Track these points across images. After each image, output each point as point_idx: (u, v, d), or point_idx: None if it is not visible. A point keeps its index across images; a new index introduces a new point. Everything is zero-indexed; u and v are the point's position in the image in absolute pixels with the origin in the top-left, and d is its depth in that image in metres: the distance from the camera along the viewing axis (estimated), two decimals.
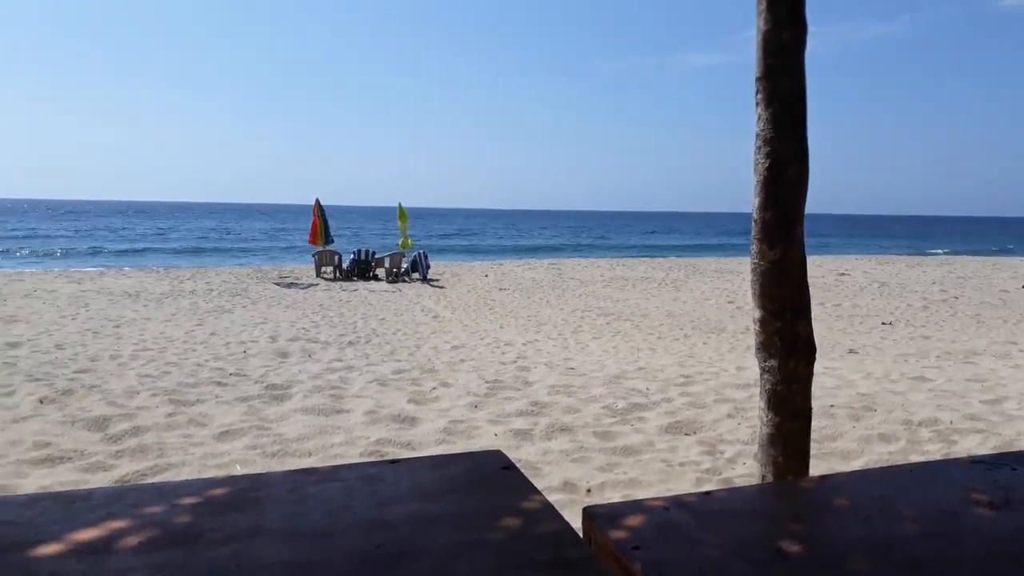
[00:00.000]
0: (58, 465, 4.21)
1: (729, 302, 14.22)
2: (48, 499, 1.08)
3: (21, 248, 34.56)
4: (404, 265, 18.68)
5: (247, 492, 1.09)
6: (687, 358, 8.09)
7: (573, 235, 65.24)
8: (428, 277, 18.71)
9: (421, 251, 19.64)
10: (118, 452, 4.46)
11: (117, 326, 9.82)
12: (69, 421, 5.02)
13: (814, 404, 2.90)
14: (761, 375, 2.55)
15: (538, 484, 3.88)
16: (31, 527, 0.97)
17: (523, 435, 4.89)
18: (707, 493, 1.17)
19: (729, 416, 5.35)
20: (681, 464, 4.33)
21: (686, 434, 4.95)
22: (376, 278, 18.43)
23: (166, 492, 1.10)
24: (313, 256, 19.43)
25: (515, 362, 7.61)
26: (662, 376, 6.81)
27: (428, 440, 4.80)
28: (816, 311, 12.06)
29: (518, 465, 3.97)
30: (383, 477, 1.15)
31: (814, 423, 3.95)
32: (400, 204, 20.09)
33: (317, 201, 19.39)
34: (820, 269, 22.37)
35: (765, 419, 2.54)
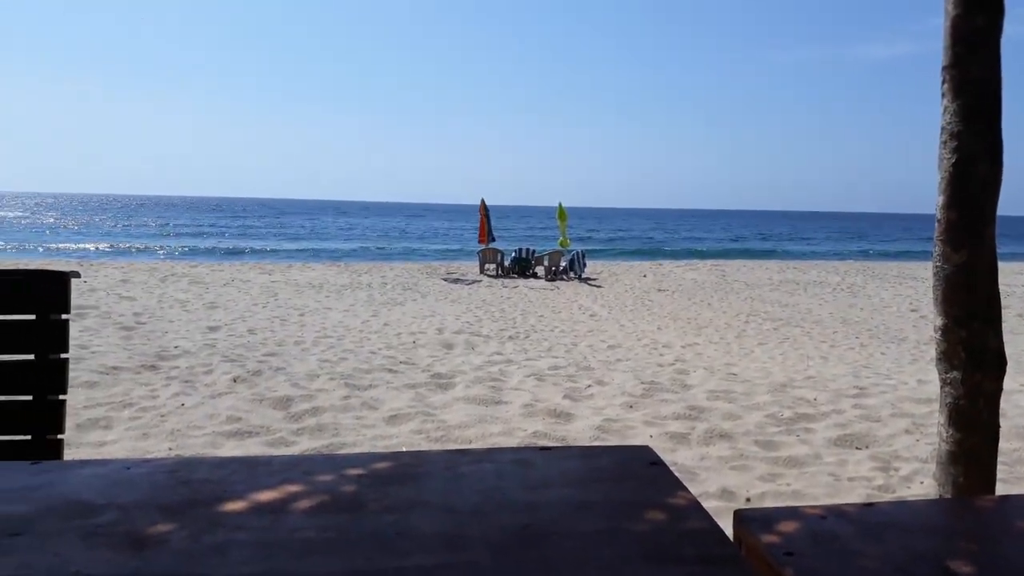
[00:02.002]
0: (246, 439, 4.64)
1: (912, 310, 13.16)
2: (236, 462, 1.21)
3: (218, 243, 38.33)
4: (563, 264, 18.85)
5: (408, 467, 1.17)
6: (862, 368, 7.58)
7: (743, 236, 62.87)
8: (585, 276, 18.77)
9: (579, 250, 19.73)
10: (299, 430, 4.85)
11: (301, 314, 10.66)
12: (257, 399, 5.52)
13: (1008, 424, 2.64)
14: (942, 388, 2.36)
15: (694, 490, 3.80)
16: (221, 485, 1.10)
17: (679, 438, 4.79)
18: (869, 504, 1.11)
19: (907, 432, 4.96)
20: (850, 479, 4.08)
21: (857, 448, 4.65)
22: (535, 276, 18.74)
23: (336, 463, 1.20)
24: (477, 253, 20.07)
25: (673, 364, 7.47)
26: (833, 386, 6.42)
27: (582, 436, 4.83)
28: (1013, 323, 10.87)
29: (673, 469, 3.90)
30: (534, 462, 1.19)
31: (1007, 444, 3.59)
32: (560, 204, 20.27)
33: (483, 201, 20.00)
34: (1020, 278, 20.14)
35: (945, 435, 2.34)
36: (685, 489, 1.06)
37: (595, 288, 16.33)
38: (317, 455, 1.26)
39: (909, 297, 15.22)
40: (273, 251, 33.42)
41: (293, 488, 1.08)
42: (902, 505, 1.16)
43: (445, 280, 17.36)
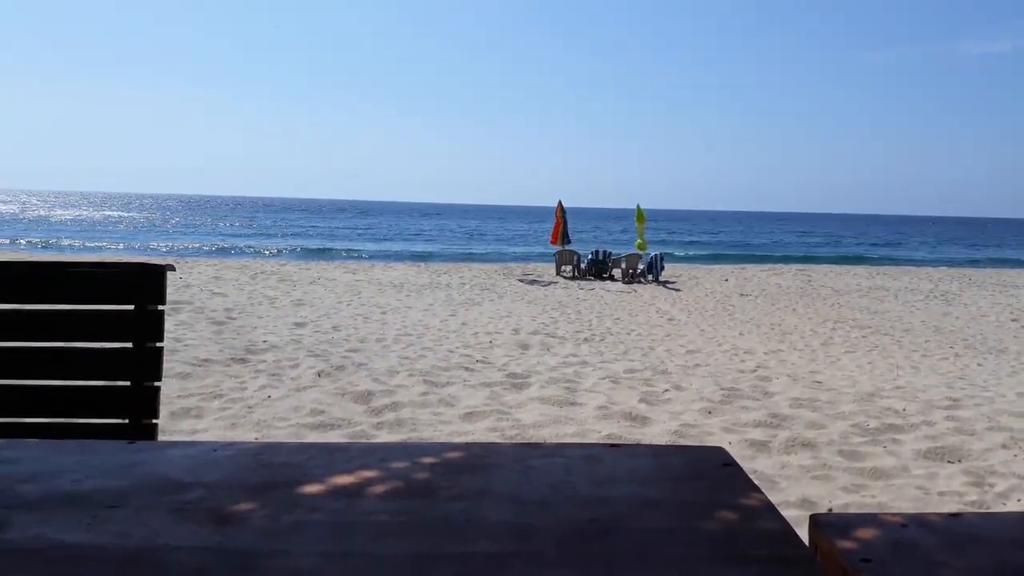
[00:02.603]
0: (329, 431, 4.79)
1: (1013, 319, 12.44)
2: (315, 448, 1.26)
3: (305, 242, 39.60)
4: (640, 266, 18.64)
5: (479, 458, 1.19)
6: (956, 379, 7.22)
7: (834, 240, 60.78)
8: (664, 279, 18.50)
9: (657, 253, 19.47)
10: (379, 424, 4.97)
11: (383, 312, 10.90)
12: (340, 393, 5.68)
13: None
14: None
15: (774, 498, 3.70)
16: (300, 469, 1.14)
17: (759, 446, 4.68)
18: (955, 514, 1.06)
19: (1004, 447, 4.70)
20: (940, 494, 3.89)
21: (949, 461, 4.43)
22: (612, 278, 18.60)
23: (410, 451, 1.23)
24: (554, 255, 20.06)
25: (755, 371, 7.29)
26: (924, 397, 6.14)
27: (658, 441, 4.77)
28: None
29: (752, 477, 3.83)
30: (603, 458, 1.19)
31: None
32: (638, 206, 20.05)
33: (560, 203, 19.99)
34: None
35: None
36: (758, 491, 1.04)
37: (674, 292, 16.09)
38: (392, 443, 1.29)
39: (1010, 306, 14.38)
40: (356, 251, 34.30)
41: (368, 474, 1.11)
42: (991, 517, 1.10)
43: (521, 281, 17.43)
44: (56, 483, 1.07)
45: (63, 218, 63.91)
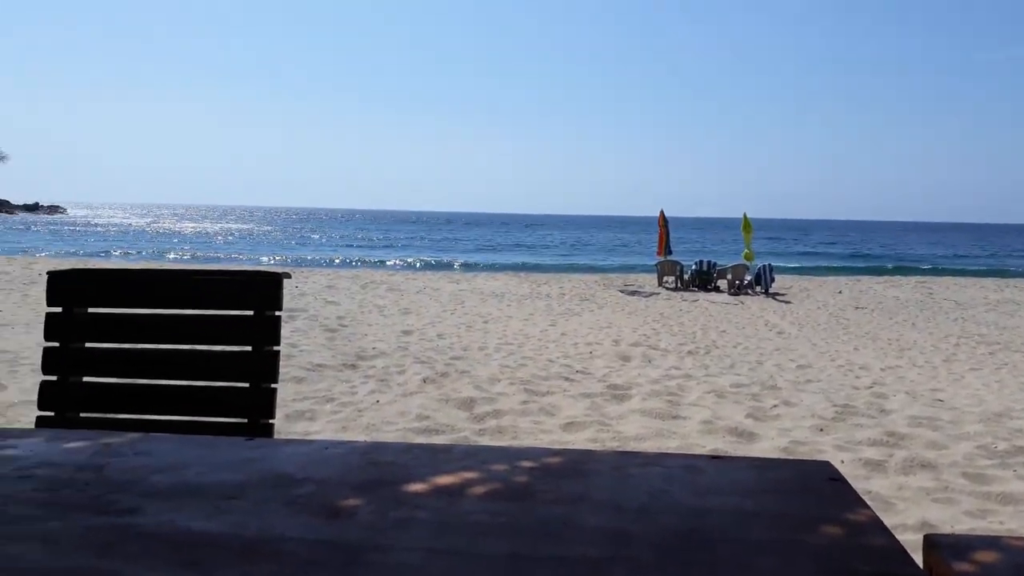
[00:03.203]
0: (433, 436, 4.90)
1: None
2: (420, 449, 1.31)
3: (414, 253, 40.69)
4: (747, 277, 18.08)
5: (577, 464, 1.20)
6: None
7: (959, 251, 57.16)
8: (773, 291, 17.88)
9: (766, 263, 18.83)
10: (481, 430, 5.04)
11: (485, 322, 11.06)
12: (444, 399, 5.80)
13: None
14: None
15: (889, 520, 3.51)
16: (405, 468, 1.19)
17: (874, 466, 4.45)
18: None
19: None
20: None
21: None
22: (717, 289, 18.13)
23: (510, 455, 1.26)
24: (655, 266, 19.77)
25: (870, 388, 6.94)
26: None
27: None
28: None
29: (866, 497, 3.64)
30: (704, 469, 1.17)
31: None
32: (745, 214, 19.47)
33: (662, 213, 19.70)
34: None
35: None
36: (867, 507, 1.00)
37: (783, 304, 15.52)
38: (493, 446, 1.32)
39: None
40: (460, 262, 34.94)
41: (469, 475, 1.14)
42: None
43: (622, 292, 17.26)
44: (183, 475, 1.15)
45: (189, 230, 68.33)
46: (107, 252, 35.92)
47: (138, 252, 36.60)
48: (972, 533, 1.02)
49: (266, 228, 78.96)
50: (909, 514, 3.68)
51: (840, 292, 18.40)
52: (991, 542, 0.99)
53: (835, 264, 38.33)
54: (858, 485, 4.00)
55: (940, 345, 10.08)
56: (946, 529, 3.49)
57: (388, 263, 32.72)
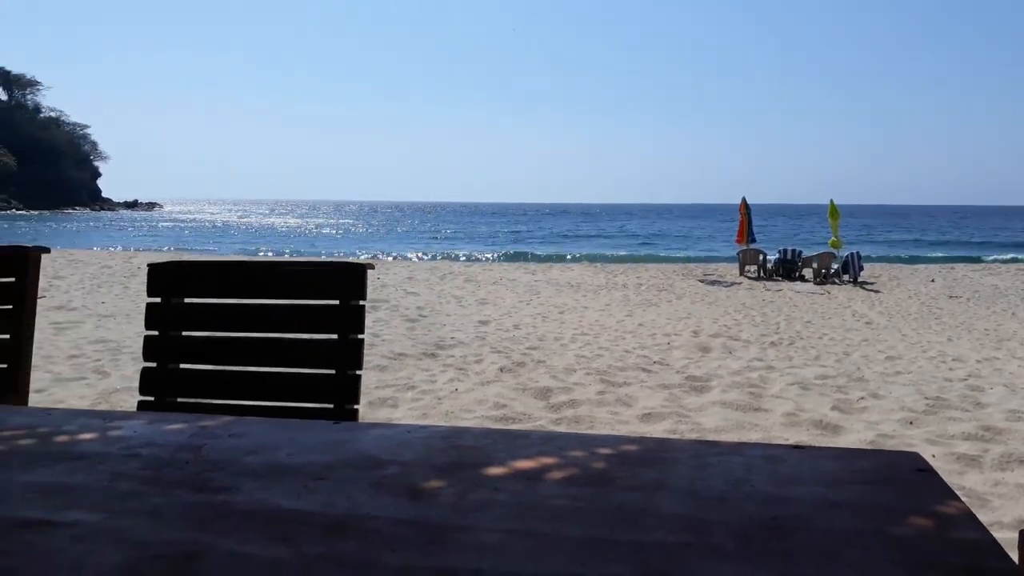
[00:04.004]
0: (510, 424, 4.94)
1: None
2: (498, 433, 1.33)
3: (490, 245, 41.02)
4: (834, 266, 17.46)
5: (654, 452, 1.20)
6: None
7: None
8: (861, 280, 17.21)
9: (854, 251, 18.13)
10: (557, 419, 5.06)
11: (561, 312, 11.06)
12: (521, 388, 5.85)
13: None
14: None
15: (984, 518, 3.36)
16: (485, 452, 1.21)
17: (968, 461, 4.25)
18: None
19: None
20: None
21: None
22: (802, 279, 17.57)
23: (586, 441, 1.27)
24: (737, 254, 19.31)
25: (965, 380, 6.62)
26: None
27: None
28: None
29: (960, 493, 3.48)
30: (785, 459, 1.16)
31: None
32: (832, 201, 18.78)
33: (743, 200, 19.22)
34: None
35: None
36: (957, 498, 0.97)
37: (872, 293, 14.94)
38: (570, 433, 1.33)
39: None
40: (535, 253, 35.00)
41: (547, 460, 1.16)
42: None
43: (701, 282, 16.95)
44: (274, 456, 1.21)
45: (278, 223, 70.76)
46: (201, 246, 37.60)
47: (230, 245, 38.19)
48: None
49: (344, 221, 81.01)
50: (1005, 511, 3.51)
51: (933, 280, 17.57)
52: None
53: (928, 252, 36.58)
54: (951, 481, 3.83)
55: None
56: None
57: (463, 255, 33.06)
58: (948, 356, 7.98)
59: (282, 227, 65.09)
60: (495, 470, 1.12)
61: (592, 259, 29.13)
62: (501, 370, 6.53)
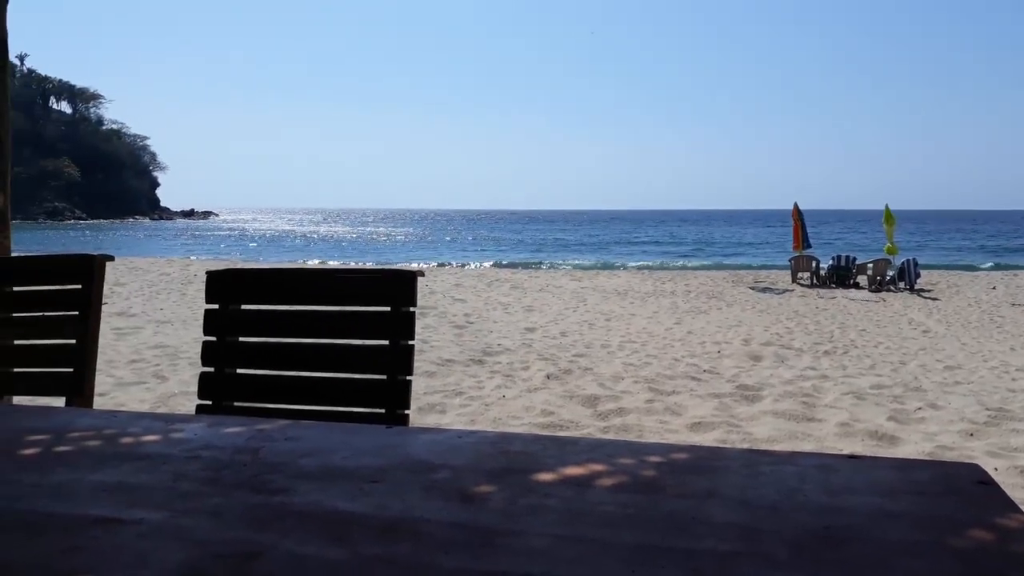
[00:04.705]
0: (558, 431, 4.94)
1: None
2: (547, 439, 1.34)
3: (536, 251, 41.09)
4: (890, 273, 17.01)
5: (705, 460, 1.19)
6: None
7: None
8: (917, 287, 16.73)
9: (911, 258, 17.64)
10: (605, 428, 5.04)
11: (608, 319, 11.01)
12: (568, 395, 5.84)
13: None
14: None
15: None
16: (534, 458, 1.22)
17: None
18: None
19: None
20: None
21: None
22: (857, 286, 17.15)
23: (636, 449, 1.27)
24: (789, 261, 18.96)
25: None
26: None
27: None
28: None
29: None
30: (839, 468, 1.14)
31: None
32: (887, 206, 18.31)
33: (796, 205, 18.88)
34: None
35: None
36: (1019, 511, 0.94)
37: (930, 301, 14.51)
38: (619, 440, 1.34)
39: None
40: (578, 260, 34.89)
41: (597, 467, 1.17)
42: None
43: (753, 289, 16.68)
44: (329, 459, 1.24)
45: (327, 232, 72.05)
46: (256, 253, 38.48)
47: (284, 253, 39.00)
48: None
49: (395, 230, 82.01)
50: None
51: (995, 288, 16.98)
52: None
53: (992, 258, 35.32)
54: (1015, 495, 3.70)
55: None
56: None
57: (507, 262, 33.13)
58: (1011, 366, 7.70)
59: (334, 235, 66.26)
60: (545, 476, 1.13)
61: (641, 266, 28.91)
62: (548, 377, 6.53)
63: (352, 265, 29.35)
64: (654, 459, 1.21)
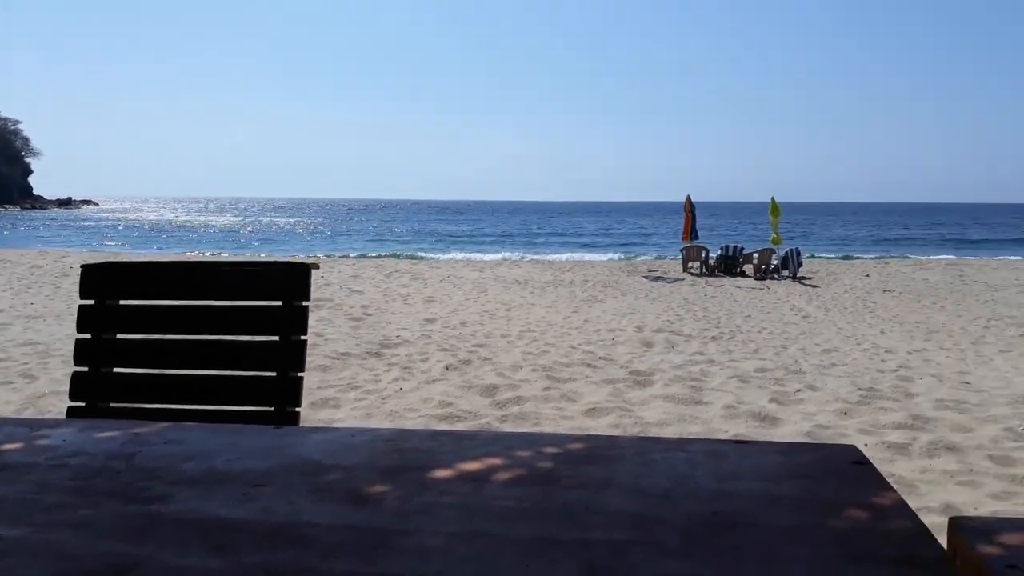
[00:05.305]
0: (456, 423, 4.93)
1: None
2: (444, 435, 1.32)
3: (435, 242, 40.89)
4: (774, 262, 17.92)
5: (601, 449, 1.20)
6: None
7: (989, 230, 56.24)
8: (799, 275, 17.69)
9: (793, 248, 18.63)
10: (503, 416, 5.07)
11: (508, 309, 11.08)
12: (466, 386, 5.83)
13: None
14: None
15: (913, 503, 3.49)
16: (430, 454, 1.20)
17: (899, 449, 4.41)
18: None
19: None
20: None
21: None
22: (743, 274, 17.98)
23: (534, 441, 1.27)
24: (680, 251, 19.65)
25: (896, 371, 6.86)
26: None
27: (789, 442, 4.60)
28: None
29: (890, 480, 3.60)
30: (727, 454, 1.18)
31: None
32: (772, 198, 19.26)
33: (688, 198, 19.56)
34: None
35: None
36: (892, 490, 1.00)
37: (810, 288, 15.37)
38: (517, 433, 1.33)
39: None
40: (483, 250, 34.96)
41: (494, 461, 1.15)
42: None
43: (646, 278, 17.19)
44: (212, 463, 1.18)
45: (216, 222, 69.11)
46: (138, 244, 36.45)
47: (168, 244, 37.12)
48: (997, 516, 1.01)
49: (289, 219, 79.61)
50: (932, 497, 3.65)
51: (868, 275, 18.17)
52: (1017, 524, 0.99)
53: (865, 248, 37.78)
54: (882, 468, 3.97)
55: (969, 327, 9.93)
56: (969, 512, 3.46)
57: (409, 252, 32.82)
58: (881, 348, 8.26)
59: (223, 225, 63.59)
60: (441, 472, 1.11)
61: (541, 256, 29.23)
62: (447, 368, 6.50)
63: (243, 257, 28.30)
64: (551, 450, 1.21)
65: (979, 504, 3.57)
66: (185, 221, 70.84)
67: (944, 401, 5.53)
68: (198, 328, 2.09)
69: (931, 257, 27.64)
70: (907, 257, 28.08)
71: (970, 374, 6.80)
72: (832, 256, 28.74)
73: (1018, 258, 26.39)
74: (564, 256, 28.96)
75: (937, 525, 3.13)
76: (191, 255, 28.85)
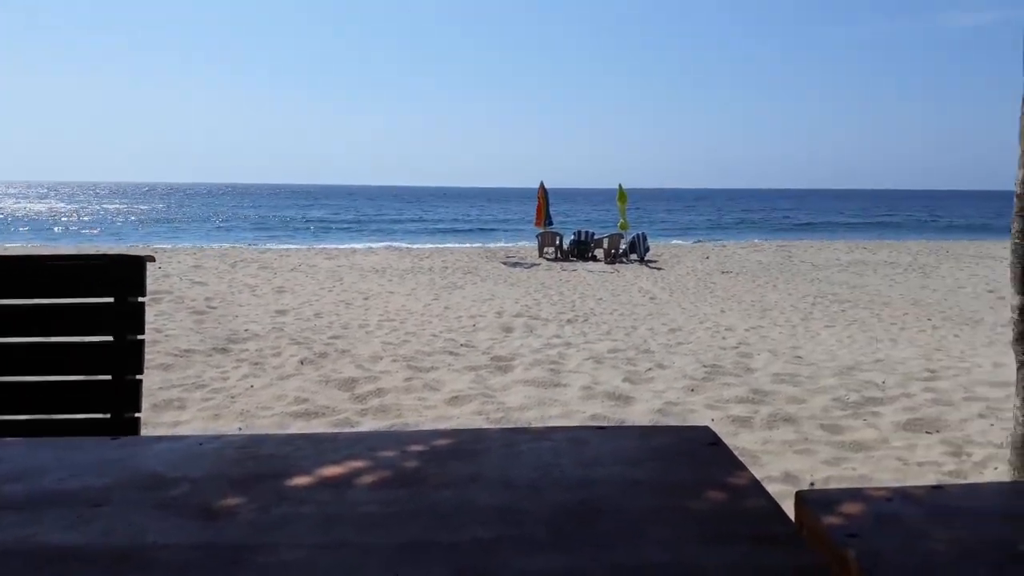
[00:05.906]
0: (313, 419, 4.78)
1: (989, 291, 12.62)
2: (302, 439, 1.25)
3: (284, 229, 39.36)
4: (622, 246, 18.69)
5: (468, 444, 1.19)
6: (934, 351, 7.33)
7: (814, 214, 61.38)
8: (646, 258, 18.56)
9: (640, 232, 19.52)
10: (363, 410, 4.96)
11: (366, 298, 10.86)
12: (323, 380, 5.67)
13: None
14: (1018, 370, 2.27)
15: (756, 473, 3.74)
16: (287, 460, 1.14)
17: (742, 422, 4.73)
18: (938, 487, 1.07)
19: (980, 416, 4.78)
20: (920, 464, 3.96)
21: (927, 432, 4.51)
22: (595, 259, 18.64)
23: (399, 439, 1.23)
24: (536, 237, 20.06)
25: (736, 348, 7.35)
26: (902, 369, 6.23)
27: (642, 419, 4.81)
28: None
29: (736, 453, 3.88)
30: (589, 440, 1.19)
31: None
32: (620, 185, 20.05)
33: (542, 184, 19.97)
34: None
35: (1021, 419, 2.26)
36: (744, 469, 1.05)
37: (656, 271, 16.15)
38: (381, 432, 1.29)
39: (986, 277, 14.59)
40: (336, 236, 34.09)
41: (357, 464, 1.11)
42: (973, 488, 1.12)
43: (504, 264, 17.43)
44: (40, 482, 1.06)
45: (47, 209, 62.99)
46: None
47: None
48: (836, 487, 1.09)
49: (127, 205, 73.97)
50: (773, 467, 3.95)
51: (708, 258, 19.35)
52: (855, 494, 1.07)
53: (705, 231, 40.20)
54: (728, 441, 4.24)
55: (798, 305, 10.81)
56: (807, 478, 3.78)
57: (260, 239, 31.44)
58: (721, 326, 8.82)
59: (52, 213, 58.04)
60: (299, 480, 1.05)
61: (398, 242, 28.87)
62: (301, 362, 6.29)
63: (70, 250, 25.99)
64: (417, 448, 1.18)
65: (815, 471, 3.89)
66: (6, 207, 64.09)
67: (780, 375, 5.99)
68: (18, 330, 1.88)
69: (764, 240, 29.84)
70: (745, 239, 30.18)
71: (801, 348, 7.40)
72: (676, 240, 30.38)
73: (838, 241, 29.03)
74: (424, 244, 28.80)
75: (779, 493, 3.39)
76: (8, 246, 26.14)
